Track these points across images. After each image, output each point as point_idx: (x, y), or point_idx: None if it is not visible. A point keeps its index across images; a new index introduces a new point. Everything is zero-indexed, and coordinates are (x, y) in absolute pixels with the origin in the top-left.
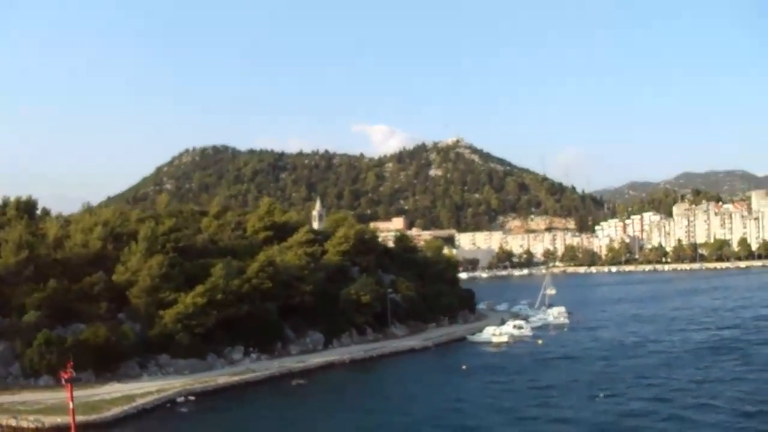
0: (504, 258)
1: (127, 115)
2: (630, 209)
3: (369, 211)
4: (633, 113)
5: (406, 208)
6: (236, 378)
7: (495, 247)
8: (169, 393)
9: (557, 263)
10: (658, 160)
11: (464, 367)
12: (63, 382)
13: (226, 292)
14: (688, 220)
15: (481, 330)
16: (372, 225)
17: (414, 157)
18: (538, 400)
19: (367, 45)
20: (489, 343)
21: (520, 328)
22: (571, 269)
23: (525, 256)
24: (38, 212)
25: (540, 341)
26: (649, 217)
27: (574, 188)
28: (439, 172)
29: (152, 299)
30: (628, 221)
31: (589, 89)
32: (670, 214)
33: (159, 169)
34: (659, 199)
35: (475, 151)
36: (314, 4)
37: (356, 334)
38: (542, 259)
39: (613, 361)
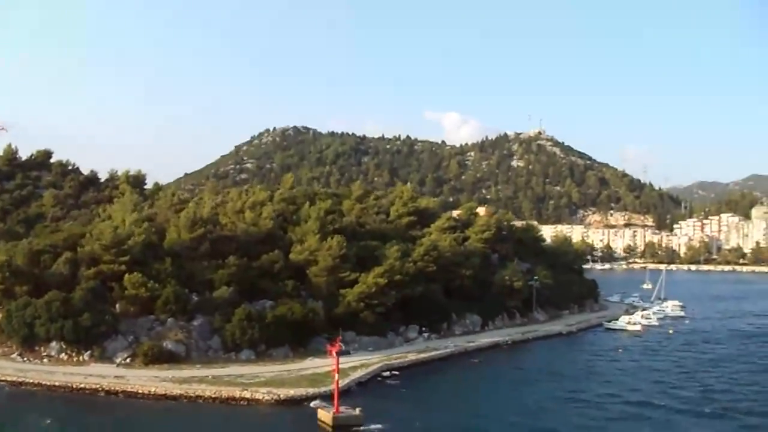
0: (586, 252)
1: (202, 95)
2: (707, 209)
3: (451, 199)
4: (703, 113)
5: (488, 197)
6: (423, 355)
7: (576, 240)
8: (374, 368)
9: (636, 260)
10: (726, 161)
11: (620, 350)
12: (333, 354)
13: (402, 273)
14: (767, 222)
15: (613, 318)
16: (454, 213)
17: (496, 147)
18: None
19: (438, 30)
20: (624, 330)
21: (648, 318)
22: (651, 266)
23: (605, 250)
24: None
25: (671, 330)
26: (727, 218)
27: (652, 185)
28: (521, 163)
29: (333, 278)
30: (706, 221)
31: (660, 87)
32: (746, 216)
33: (238, 148)
34: (735, 201)
35: (556, 143)
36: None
37: (507, 318)
38: (622, 254)
39: (753, 343)
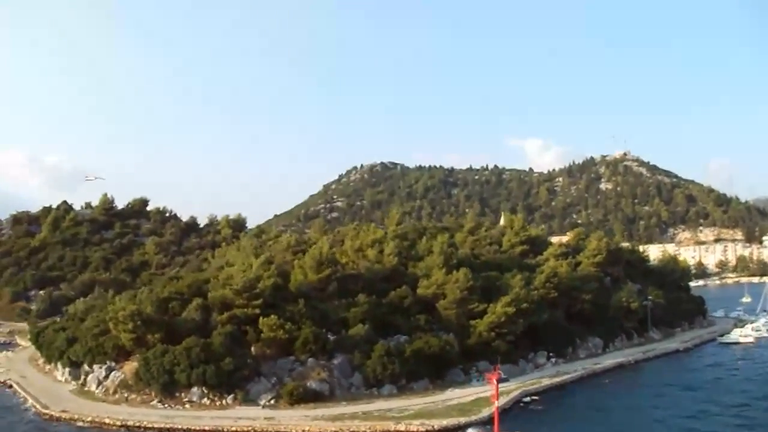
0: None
1: (288, 143)
2: None
3: (543, 226)
4: None
5: (579, 221)
6: (556, 379)
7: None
8: (514, 395)
9: (729, 274)
10: None
11: (740, 362)
12: (494, 383)
13: (528, 301)
14: None
15: (724, 333)
16: (550, 239)
17: (583, 171)
18: None
19: (511, 57)
20: (737, 343)
21: (758, 330)
22: (744, 280)
23: (698, 267)
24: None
25: None
26: None
27: (738, 199)
28: (609, 186)
29: (462, 310)
30: None
31: (739, 97)
32: None
33: (327, 187)
34: None
35: (642, 163)
36: (459, 22)
37: (625, 339)
38: (714, 269)
39: None
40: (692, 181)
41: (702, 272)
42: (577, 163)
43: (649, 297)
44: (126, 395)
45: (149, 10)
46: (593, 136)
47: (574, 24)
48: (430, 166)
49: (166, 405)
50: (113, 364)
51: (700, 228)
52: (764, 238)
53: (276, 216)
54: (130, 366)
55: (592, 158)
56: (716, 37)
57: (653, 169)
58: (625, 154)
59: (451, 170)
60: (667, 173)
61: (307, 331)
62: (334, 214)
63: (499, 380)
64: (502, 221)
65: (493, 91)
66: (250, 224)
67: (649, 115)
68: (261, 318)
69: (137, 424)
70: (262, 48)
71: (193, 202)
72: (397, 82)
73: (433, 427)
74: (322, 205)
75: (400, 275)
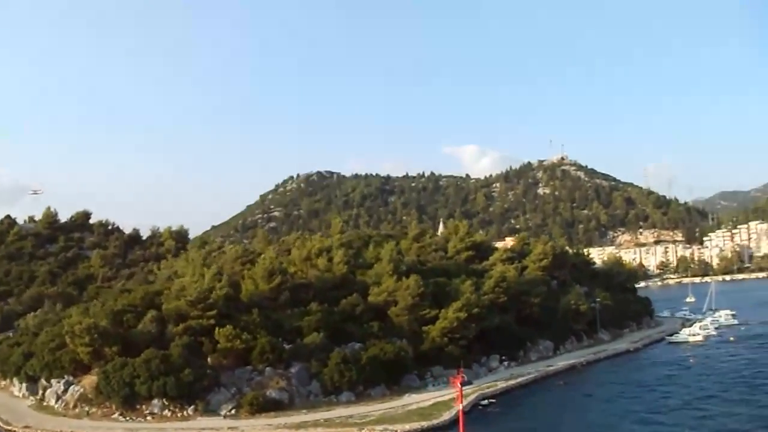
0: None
1: (220, 152)
2: (735, 219)
3: (481, 231)
4: (717, 121)
5: (518, 226)
6: (511, 382)
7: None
8: (471, 398)
9: (670, 275)
10: (744, 169)
11: (692, 360)
12: (458, 386)
13: (479, 306)
14: None
15: (672, 333)
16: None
17: (521, 177)
18: None
19: (446, 64)
20: (686, 342)
21: (705, 328)
22: (686, 280)
23: (639, 269)
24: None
25: (732, 338)
26: (756, 225)
27: (677, 200)
28: (547, 190)
29: (413, 317)
30: (735, 231)
31: (674, 98)
32: None
33: (264, 197)
34: (763, 208)
35: (580, 167)
36: (390, 23)
37: (575, 341)
38: (655, 271)
39: None
40: (631, 184)
41: (643, 274)
42: (514, 168)
43: (597, 299)
44: (86, 409)
45: (78, 19)
46: (530, 141)
47: (507, 30)
48: (366, 174)
49: (127, 418)
50: (71, 378)
51: (640, 230)
52: (705, 238)
53: (214, 227)
54: (89, 379)
55: (529, 163)
56: (653, 41)
57: (591, 172)
58: (562, 159)
59: (388, 178)
60: (605, 177)
61: (263, 341)
62: (272, 224)
63: (463, 383)
64: (441, 228)
65: (429, 98)
66: (191, 234)
67: (586, 120)
68: (217, 328)
69: None
70: (202, 51)
71: (130, 213)
72: (332, 91)
73: (396, 431)
74: (260, 215)
75: (350, 283)
